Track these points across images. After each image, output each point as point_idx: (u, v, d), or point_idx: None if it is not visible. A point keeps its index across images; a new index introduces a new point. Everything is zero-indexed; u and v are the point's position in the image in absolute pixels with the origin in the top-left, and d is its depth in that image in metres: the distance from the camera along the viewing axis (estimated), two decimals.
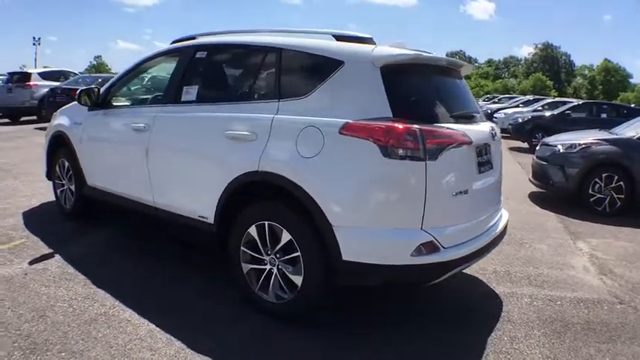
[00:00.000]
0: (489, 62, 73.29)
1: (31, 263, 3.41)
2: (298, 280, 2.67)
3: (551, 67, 59.57)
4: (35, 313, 2.72)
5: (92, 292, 3.02)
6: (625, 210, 5.91)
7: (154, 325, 2.67)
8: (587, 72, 60.13)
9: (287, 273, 2.72)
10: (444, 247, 2.54)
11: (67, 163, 4.33)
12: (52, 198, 4.95)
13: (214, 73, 3.48)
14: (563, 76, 60.06)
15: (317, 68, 2.74)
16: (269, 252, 2.79)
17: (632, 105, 22.99)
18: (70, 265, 3.42)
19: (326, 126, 2.55)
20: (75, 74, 14.93)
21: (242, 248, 2.89)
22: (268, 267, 2.81)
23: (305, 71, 2.85)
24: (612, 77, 55.06)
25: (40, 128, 11.56)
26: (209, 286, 3.23)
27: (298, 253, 2.65)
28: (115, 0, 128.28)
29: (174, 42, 3.77)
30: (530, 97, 23.15)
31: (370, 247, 2.49)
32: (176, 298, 3.05)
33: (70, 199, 4.37)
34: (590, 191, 6.00)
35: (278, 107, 2.78)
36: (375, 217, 2.50)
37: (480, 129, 3.00)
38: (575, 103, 13.99)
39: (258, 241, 2.82)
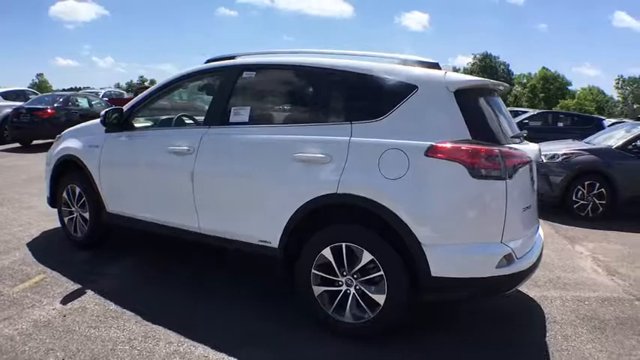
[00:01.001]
0: None
1: (64, 302, 3.09)
2: (380, 298, 2.65)
3: (490, 76, 62.55)
4: None
5: (149, 329, 2.79)
6: (606, 215, 6.38)
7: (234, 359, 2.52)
8: (525, 80, 63.72)
9: (368, 292, 2.69)
10: (517, 258, 2.64)
11: (78, 189, 4.01)
12: (51, 226, 4.63)
13: (271, 94, 3.39)
14: None
15: (389, 92, 2.77)
16: (345, 273, 2.74)
17: (586, 114, 24.92)
18: (108, 300, 3.14)
19: (411, 148, 2.58)
20: (36, 94, 13.92)
21: (313, 271, 2.82)
22: (344, 288, 2.76)
23: (377, 94, 2.83)
24: (551, 85, 58.20)
25: (4, 150, 10.62)
26: (265, 308, 3.11)
27: (381, 273, 2.63)
28: (56, 17, 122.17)
29: (208, 61, 3.61)
30: None
31: (459, 263, 2.55)
32: (237, 325, 2.90)
33: (82, 226, 4.04)
34: (573, 198, 6.43)
35: (351, 129, 2.77)
36: (464, 233, 2.56)
37: (531, 148, 3.15)
38: (532, 113, 15.03)
39: (333, 262, 2.76)
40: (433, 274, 2.53)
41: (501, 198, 2.56)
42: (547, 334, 2.99)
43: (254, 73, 3.28)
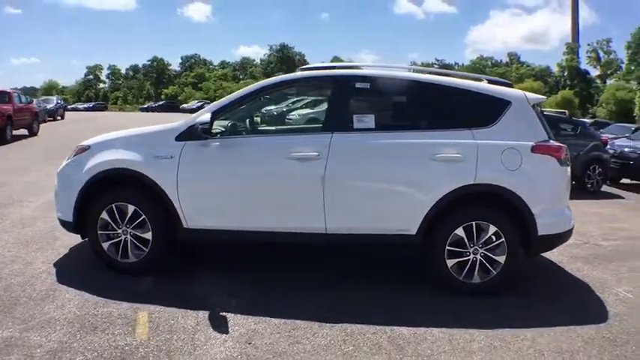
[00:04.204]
0: (223, 64, 74.63)
1: (222, 332, 2.78)
2: (502, 258, 3.43)
3: (288, 67, 65.56)
4: None
5: (349, 329, 2.86)
6: None
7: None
8: None
9: (492, 256, 3.44)
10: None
11: (131, 207, 3.39)
12: (42, 255, 3.84)
13: (392, 103, 3.74)
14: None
15: (494, 106, 3.54)
16: (472, 245, 3.44)
17: None
18: (265, 316, 2.97)
19: (521, 147, 3.42)
20: None
21: (447, 247, 3.41)
22: (471, 257, 3.45)
23: (486, 108, 3.56)
24: None
25: None
26: (398, 286, 3.51)
27: (502, 240, 3.42)
28: None
29: (304, 69, 3.66)
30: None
31: (554, 223, 3.53)
32: (387, 304, 3.25)
33: (137, 249, 3.46)
34: None
35: (473, 134, 3.44)
36: (556, 203, 3.59)
37: None
38: None
39: (465, 238, 3.41)
40: (539, 233, 3.45)
41: (568, 177, 3.68)
42: (566, 270, 4.16)
43: (368, 84, 3.56)
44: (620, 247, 5.00)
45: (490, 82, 3.82)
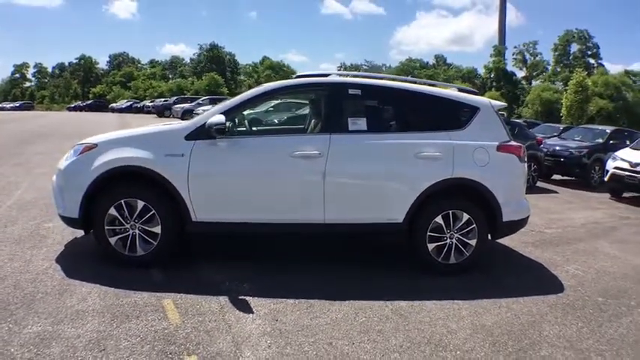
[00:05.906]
0: (153, 63, 71.84)
1: (246, 312, 3.06)
2: (473, 242, 3.99)
3: (218, 67, 62.98)
4: None
5: (350, 305, 3.23)
6: None
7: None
8: (251, 70, 66.96)
9: (466, 240, 3.97)
10: None
11: (141, 203, 3.54)
12: (40, 254, 3.80)
13: (381, 109, 4.15)
14: (229, 75, 64.33)
15: (466, 111, 4.12)
16: (449, 230, 3.95)
17: None
18: (283, 297, 3.27)
19: (489, 147, 4.00)
20: None
21: (428, 233, 3.90)
22: (448, 241, 3.97)
23: (459, 113, 4.13)
24: (277, 74, 59.72)
25: None
26: (379, 270, 3.95)
27: (474, 225, 3.97)
28: None
29: (300, 76, 3.98)
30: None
31: (516, 211, 4.14)
32: (373, 285, 3.67)
33: (146, 243, 3.61)
34: None
35: (449, 136, 3.97)
36: (516, 193, 4.20)
37: None
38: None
39: (443, 225, 3.92)
40: (504, 220, 4.04)
41: (525, 172, 4.32)
42: (521, 253, 4.81)
43: (360, 90, 3.95)
44: (561, 234, 5.81)
45: (459, 90, 4.39)
